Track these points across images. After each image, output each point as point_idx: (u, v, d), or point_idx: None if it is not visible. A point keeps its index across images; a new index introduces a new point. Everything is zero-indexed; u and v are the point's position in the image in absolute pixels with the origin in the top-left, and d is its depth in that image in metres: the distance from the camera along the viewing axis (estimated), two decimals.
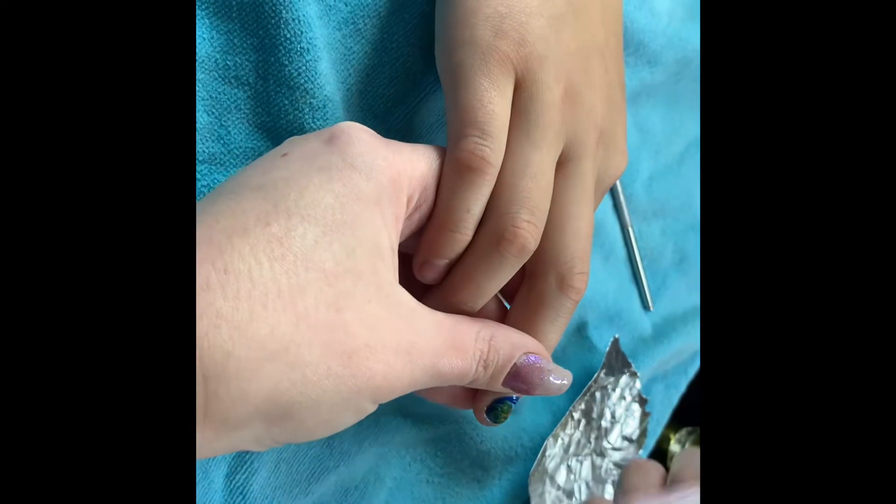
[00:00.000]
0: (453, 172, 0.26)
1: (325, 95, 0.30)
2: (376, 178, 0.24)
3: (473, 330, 0.26)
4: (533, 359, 0.27)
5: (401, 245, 0.28)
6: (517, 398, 0.29)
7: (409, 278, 0.28)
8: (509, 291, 0.30)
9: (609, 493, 0.42)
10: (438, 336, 0.25)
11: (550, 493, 0.40)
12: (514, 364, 0.27)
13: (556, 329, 0.29)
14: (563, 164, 0.29)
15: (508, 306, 0.30)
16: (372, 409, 0.24)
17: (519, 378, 0.27)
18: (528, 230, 0.26)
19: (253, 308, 0.20)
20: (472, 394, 0.30)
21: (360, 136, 0.25)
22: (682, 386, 0.48)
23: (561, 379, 0.28)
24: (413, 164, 0.26)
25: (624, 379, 0.44)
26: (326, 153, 0.24)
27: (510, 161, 0.27)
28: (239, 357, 0.20)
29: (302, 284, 0.21)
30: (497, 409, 0.29)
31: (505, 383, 0.27)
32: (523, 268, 0.29)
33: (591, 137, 0.29)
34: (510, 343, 0.27)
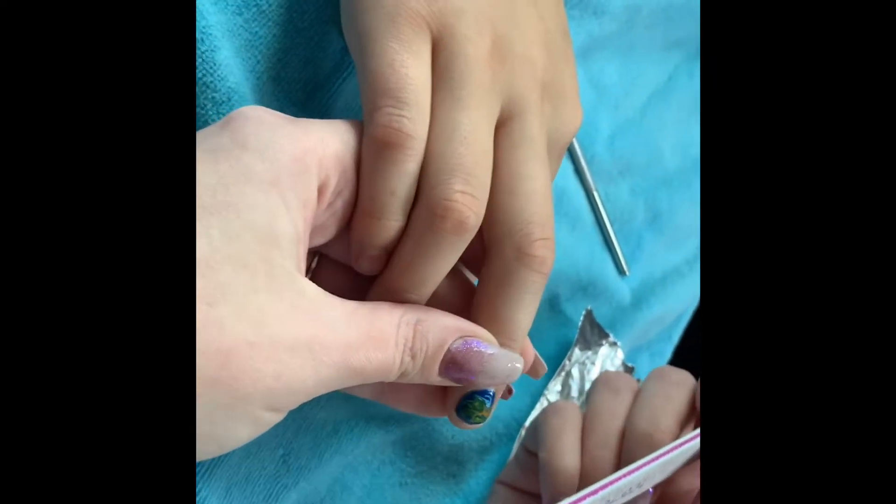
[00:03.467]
0: (370, 151, 0.23)
1: (229, 87, 0.27)
2: (273, 157, 0.21)
3: (395, 315, 0.23)
4: (470, 342, 0.24)
5: (333, 242, 0.25)
6: (493, 394, 0.26)
7: (356, 278, 0.26)
8: (478, 270, 0.26)
9: None
10: (351, 327, 0.22)
11: None
12: (448, 350, 0.24)
13: (524, 309, 0.25)
14: (503, 124, 0.25)
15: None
16: (272, 417, 0.21)
17: (455, 366, 0.24)
18: (464, 201, 0.23)
19: None
20: (441, 396, 0.27)
21: (258, 116, 0.22)
22: (668, 353, 0.46)
23: (508, 362, 0.24)
24: (324, 141, 0.23)
25: (603, 350, 0.41)
26: (217, 136, 0.22)
27: (435, 127, 0.24)
28: None
29: None
30: (467, 406, 0.26)
31: (441, 373, 0.24)
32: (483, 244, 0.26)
33: (531, 92, 0.26)
34: (441, 326, 0.24)
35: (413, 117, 0.23)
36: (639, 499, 0.31)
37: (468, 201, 0.23)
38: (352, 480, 0.34)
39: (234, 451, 0.30)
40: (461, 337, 0.24)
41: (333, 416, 0.33)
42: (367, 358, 0.22)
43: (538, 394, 0.39)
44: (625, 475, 0.29)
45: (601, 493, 0.29)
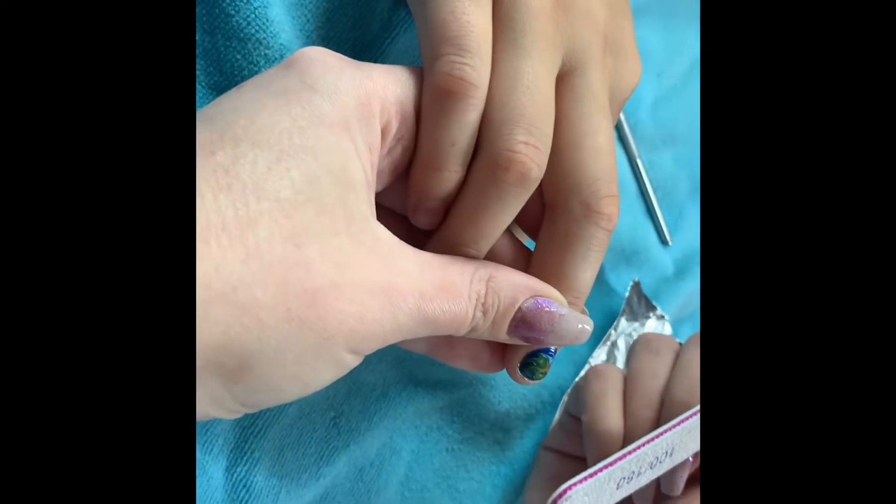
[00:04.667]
0: (432, 100, 0.23)
1: (281, 44, 0.27)
2: (341, 100, 0.21)
3: (468, 271, 0.23)
4: (541, 302, 0.24)
5: (388, 191, 0.25)
6: (554, 350, 0.26)
7: (411, 227, 0.25)
8: (533, 230, 0.26)
9: None
10: (424, 277, 0.22)
11: None
12: (520, 308, 0.23)
13: (590, 266, 0.25)
14: (565, 77, 0.25)
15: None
16: (352, 361, 0.21)
17: (526, 324, 0.23)
18: (528, 152, 0.23)
19: None
20: (498, 353, 0.26)
21: (323, 58, 0.22)
22: None
23: (578, 324, 0.24)
24: (386, 86, 0.22)
25: (651, 323, 0.41)
26: (283, 77, 0.21)
27: (497, 76, 0.23)
28: None
29: (252, 216, 0.19)
30: (532, 363, 0.25)
31: (510, 332, 0.24)
32: (542, 200, 0.25)
33: (593, 44, 0.25)
34: (513, 284, 0.24)
35: (476, 65, 0.23)
36: (678, 468, 0.31)
37: (531, 153, 0.23)
38: (400, 444, 0.34)
39: (286, 413, 0.30)
40: (532, 296, 0.24)
41: (383, 379, 0.33)
42: (441, 308, 0.22)
43: (582, 362, 0.39)
44: (644, 444, 0.29)
45: (619, 464, 0.28)
